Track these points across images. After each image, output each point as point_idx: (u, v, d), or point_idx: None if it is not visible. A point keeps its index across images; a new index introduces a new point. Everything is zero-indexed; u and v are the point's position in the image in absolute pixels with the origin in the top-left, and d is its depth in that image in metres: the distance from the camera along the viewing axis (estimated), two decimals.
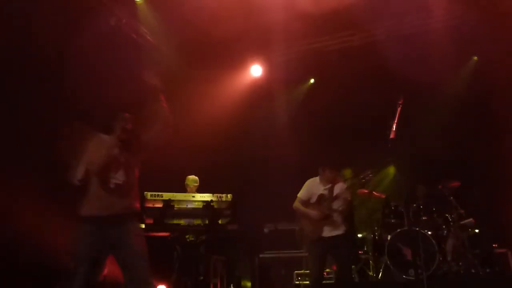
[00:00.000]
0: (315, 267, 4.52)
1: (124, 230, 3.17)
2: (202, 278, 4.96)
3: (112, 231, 3.14)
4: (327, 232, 4.47)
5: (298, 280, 5.92)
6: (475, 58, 6.93)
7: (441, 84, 6.70)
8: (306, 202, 4.67)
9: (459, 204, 5.60)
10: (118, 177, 3.27)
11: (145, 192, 5.10)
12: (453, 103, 6.68)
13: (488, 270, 5.29)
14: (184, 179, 5.87)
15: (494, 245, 5.61)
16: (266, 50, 7.31)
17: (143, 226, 4.98)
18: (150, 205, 4.70)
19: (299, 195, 4.73)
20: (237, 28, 6.31)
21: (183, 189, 5.75)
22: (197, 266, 4.87)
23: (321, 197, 4.55)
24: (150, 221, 4.67)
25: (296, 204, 4.70)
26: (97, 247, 3.07)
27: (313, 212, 4.53)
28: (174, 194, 4.83)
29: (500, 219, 5.98)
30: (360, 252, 5.93)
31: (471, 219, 5.52)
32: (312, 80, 7.75)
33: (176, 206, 4.64)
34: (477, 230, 5.52)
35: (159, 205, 4.72)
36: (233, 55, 7.19)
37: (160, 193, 4.80)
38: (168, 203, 4.66)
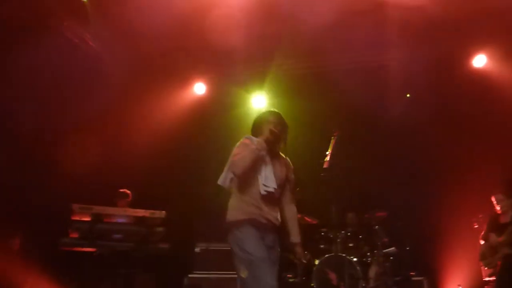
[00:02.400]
0: None
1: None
2: None
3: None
4: None
5: None
6: (408, 95, 7.44)
7: (379, 118, 7.13)
8: None
9: (385, 233, 5.91)
10: (269, 184, 3.04)
11: (73, 204, 4.84)
12: (387, 137, 7.10)
13: None
14: (116, 193, 5.67)
15: (411, 273, 5.96)
16: (212, 69, 7.35)
17: (67, 240, 4.72)
18: (77, 218, 4.45)
19: None
20: (184, 44, 6.33)
21: (114, 203, 5.55)
22: (123, 284, 4.67)
23: None
24: (75, 235, 4.42)
25: None
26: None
27: None
28: (105, 207, 4.63)
29: (419, 248, 6.37)
30: (289, 276, 6.02)
31: (393, 248, 5.84)
32: (257, 99, 7.80)
33: (106, 220, 4.45)
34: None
35: (87, 218, 4.49)
36: (178, 71, 7.16)
37: (89, 206, 4.57)
38: (97, 217, 4.45)
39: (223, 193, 6.78)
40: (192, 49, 6.51)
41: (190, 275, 6.30)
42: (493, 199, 5.26)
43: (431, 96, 6.91)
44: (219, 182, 3.24)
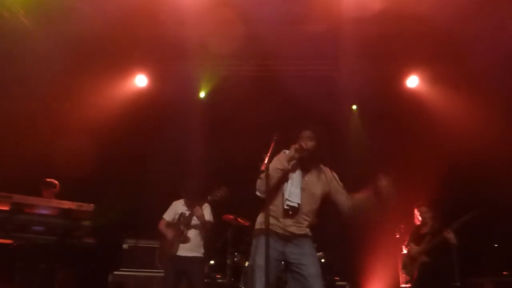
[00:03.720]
0: (166, 286, 4.58)
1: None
2: None
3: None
4: (183, 251, 4.60)
5: None
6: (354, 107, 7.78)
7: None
8: (170, 223, 4.82)
9: (314, 238, 6.08)
10: (293, 199, 3.09)
11: None
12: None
13: None
14: (42, 182, 5.34)
15: (336, 278, 6.20)
16: (155, 62, 7.16)
17: None
18: None
19: (164, 215, 4.89)
20: (130, 33, 6.12)
21: (39, 193, 5.22)
22: (41, 280, 4.39)
23: (181, 215, 4.71)
24: None
25: (160, 224, 4.85)
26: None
27: (169, 232, 4.67)
28: (27, 197, 4.32)
29: (345, 254, 6.65)
30: (217, 276, 6.01)
31: (321, 253, 6.03)
32: (202, 94, 7.75)
33: (27, 210, 4.16)
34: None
35: (6, 207, 4.17)
36: (120, 61, 6.90)
37: (8, 194, 4.25)
38: (17, 206, 4.14)
39: (156, 190, 6.66)
40: (136, 40, 6.30)
41: (115, 272, 6.09)
42: (416, 211, 5.59)
43: (372, 109, 7.30)
44: (258, 193, 3.22)
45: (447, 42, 6.21)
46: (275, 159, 3.18)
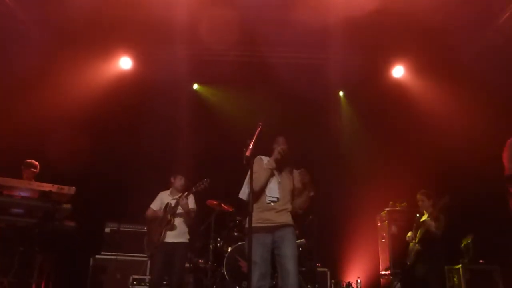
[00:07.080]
0: (155, 272, 4.81)
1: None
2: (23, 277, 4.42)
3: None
4: (170, 237, 4.84)
5: (133, 285, 5.74)
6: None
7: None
8: (156, 212, 5.06)
9: (296, 226, 6.12)
10: (272, 194, 3.60)
11: None
12: (311, 132, 7.38)
13: (309, 287, 5.89)
14: (22, 163, 5.25)
15: (318, 264, 6.28)
16: (140, 45, 7.03)
17: None
18: None
19: (151, 205, 5.12)
20: (116, 13, 5.99)
21: (19, 175, 5.13)
22: (20, 263, 4.33)
23: (167, 205, 4.97)
24: None
25: (147, 213, 5.09)
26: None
27: (156, 220, 4.95)
28: (6, 179, 4.24)
29: (326, 241, 6.73)
30: (200, 261, 6.04)
31: (303, 240, 6.09)
32: (195, 85, 7.76)
33: (6, 192, 4.08)
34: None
35: None
36: (104, 42, 6.74)
37: None
38: None
39: (140, 175, 6.61)
40: (121, 20, 6.16)
41: (97, 256, 6.06)
42: (418, 197, 5.57)
43: (358, 97, 7.34)
44: (240, 196, 3.69)
45: (431, 34, 6.25)
46: (259, 164, 3.66)
